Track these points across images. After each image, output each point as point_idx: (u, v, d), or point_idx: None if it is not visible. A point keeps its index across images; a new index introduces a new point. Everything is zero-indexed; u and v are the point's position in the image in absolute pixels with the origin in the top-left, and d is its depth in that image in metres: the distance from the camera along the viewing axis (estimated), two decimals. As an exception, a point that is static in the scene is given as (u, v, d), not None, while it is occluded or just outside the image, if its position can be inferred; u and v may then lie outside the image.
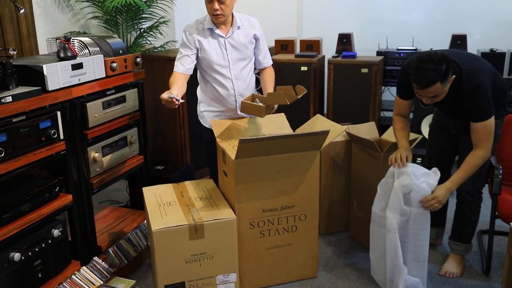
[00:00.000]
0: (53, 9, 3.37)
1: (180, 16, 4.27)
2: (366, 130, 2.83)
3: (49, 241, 2.21)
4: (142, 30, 3.62)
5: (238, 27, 2.60)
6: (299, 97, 2.38)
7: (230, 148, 2.36)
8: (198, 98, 2.75)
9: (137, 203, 3.09)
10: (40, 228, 2.17)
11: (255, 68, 2.76)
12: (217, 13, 2.44)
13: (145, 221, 2.84)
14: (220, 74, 2.59)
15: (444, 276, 2.56)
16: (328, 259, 2.76)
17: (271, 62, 2.78)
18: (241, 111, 2.52)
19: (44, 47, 3.11)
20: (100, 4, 3.43)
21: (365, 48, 4.63)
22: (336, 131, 2.42)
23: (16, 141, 2.00)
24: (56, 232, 2.23)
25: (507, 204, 2.43)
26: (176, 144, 3.59)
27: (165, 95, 2.23)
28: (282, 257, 2.45)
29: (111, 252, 2.53)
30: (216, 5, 2.42)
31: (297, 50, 4.73)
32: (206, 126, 2.71)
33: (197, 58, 2.59)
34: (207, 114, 2.69)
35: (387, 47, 4.60)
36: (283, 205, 2.37)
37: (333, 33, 4.64)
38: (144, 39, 3.59)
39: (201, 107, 2.72)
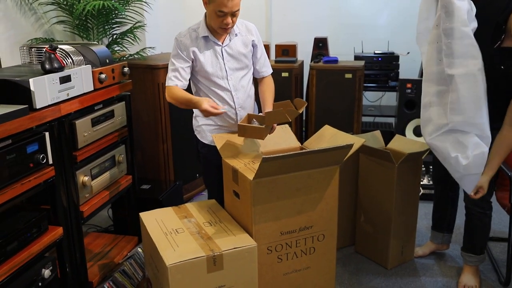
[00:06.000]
0: (14, 12, 2.98)
1: (153, 21, 3.96)
2: (372, 140, 2.70)
3: (39, 284, 1.89)
4: (115, 36, 3.30)
5: (236, 34, 2.38)
6: (300, 111, 2.20)
7: (241, 166, 2.14)
8: (194, 112, 2.49)
9: (123, 228, 2.79)
10: (28, 270, 1.85)
11: (253, 78, 2.54)
12: (228, 27, 2.23)
13: (138, 249, 2.55)
14: (218, 86, 2.36)
15: None
16: (340, 278, 2.60)
17: (271, 71, 2.57)
18: (238, 135, 2.27)
19: (5, 56, 2.74)
20: (68, 8, 3.08)
21: (340, 53, 4.52)
22: (354, 143, 2.26)
23: (2, 171, 1.68)
24: (47, 273, 1.92)
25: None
26: (159, 160, 3.29)
27: (213, 109, 2.14)
28: (300, 281, 2.25)
29: (106, 288, 2.23)
30: (229, 19, 2.19)
31: (272, 55, 4.55)
32: (205, 141, 2.46)
33: (191, 69, 2.34)
34: (206, 128, 2.44)
35: (362, 51, 4.53)
36: (302, 226, 2.17)
37: (305, 38, 4.50)
38: (119, 45, 3.27)
39: (199, 121, 2.46)
